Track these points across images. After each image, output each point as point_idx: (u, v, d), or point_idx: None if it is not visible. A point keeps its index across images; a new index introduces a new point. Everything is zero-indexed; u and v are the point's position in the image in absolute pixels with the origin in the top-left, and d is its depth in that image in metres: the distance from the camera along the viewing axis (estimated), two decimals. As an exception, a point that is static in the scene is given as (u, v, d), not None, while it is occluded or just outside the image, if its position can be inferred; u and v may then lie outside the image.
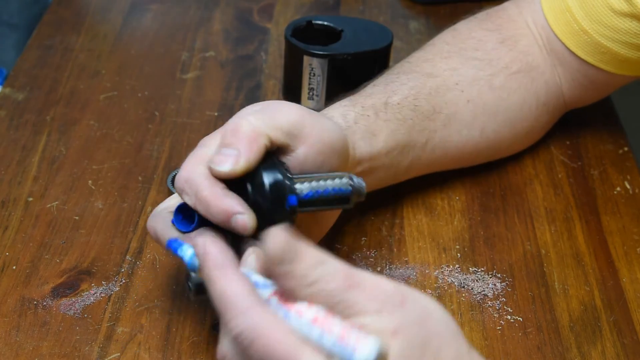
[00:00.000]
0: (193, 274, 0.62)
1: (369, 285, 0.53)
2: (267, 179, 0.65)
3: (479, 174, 0.90)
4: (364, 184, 0.69)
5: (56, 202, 0.84)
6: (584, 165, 0.92)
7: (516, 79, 0.86)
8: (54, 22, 1.11)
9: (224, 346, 0.55)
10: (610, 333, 0.74)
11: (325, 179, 0.68)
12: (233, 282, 0.55)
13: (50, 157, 0.89)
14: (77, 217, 0.82)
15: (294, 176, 0.67)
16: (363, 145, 0.76)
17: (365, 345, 0.51)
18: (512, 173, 0.90)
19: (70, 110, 0.96)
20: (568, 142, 0.95)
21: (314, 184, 0.67)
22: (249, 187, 0.65)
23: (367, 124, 0.77)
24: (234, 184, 0.65)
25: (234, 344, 0.54)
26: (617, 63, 0.85)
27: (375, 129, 0.77)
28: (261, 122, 0.66)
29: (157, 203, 0.83)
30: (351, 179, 0.68)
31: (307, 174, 0.68)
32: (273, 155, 0.67)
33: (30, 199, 0.84)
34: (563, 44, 0.86)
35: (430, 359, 0.53)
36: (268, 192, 0.65)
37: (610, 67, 0.86)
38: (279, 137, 0.67)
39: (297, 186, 0.66)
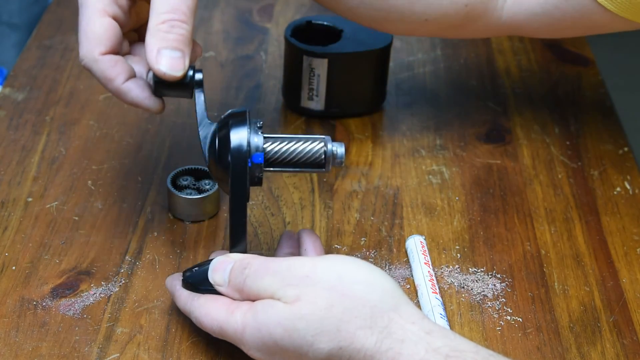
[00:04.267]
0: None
1: (280, 269, 0.64)
2: (233, 135, 0.67)
3: (478, 174, 0.90)
4: (342, 151, 0.69)
5: (56, 203, 0.84)
6: (584, 166, 0.92)
7: None
8: (54, 22, 1.11)
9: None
10: (610, 334, 0.74)
11: (299, 142, 0.69)
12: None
13: (50, 157, 0.89)
14: (76, 218, 0.82)
15: (267, 135, 0.69)
16: None
17: None
18: (512, 173, 0.90)
19: (70, 110, 0.96)
20: (568, 142, 0.95)
21: (283, 145, 0.69)
22: (217, 142, 0.68)
23: None
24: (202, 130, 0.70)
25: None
26: (626, 4, 0.78)
27: None
28: None
29: (156, 203, 0.84)
30: (326, 145, 0.69)
31: (285, 135, 0.70)
32: (247, 112, 0.69)
33: (30, 199, 0.84)
34: None
35: (337, 317, 0.61)
36: (231, 149, 0.67)
37: (615, 7, 0.79)
38: None
39: (266, 147, 0.68)
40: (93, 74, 0.69)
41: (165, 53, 0.67)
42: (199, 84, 0.70)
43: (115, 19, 0.70)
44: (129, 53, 0.73)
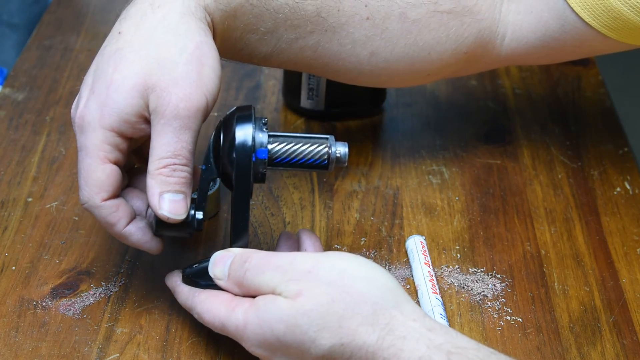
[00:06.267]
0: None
1: (282, 264, 0.63)
2: (238, 131, 0.68)
3: (478, 174, 0.90)
4: (345, 151, 0.70)
5: (56, 203, 0.84)
6: (584, 166, 0.92)
7: (439, 19, 0.78)
8: (54, 22, 1.11)
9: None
10: (610, 334, 0.74)
11: (304, 144, 0.69)
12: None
13: (50, 157, 0.89)
14: (76, 218, 0.82)
15: (272, 134, 0.69)
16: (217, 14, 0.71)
17: None
18: (512, 173, 0.90)
19: (69, 110, 0.95)
20: (568, 142, 0.95)
21: (287, 146, 0.69)
22: (221, 136, 0.68)
23: (226, 4, 0.71)
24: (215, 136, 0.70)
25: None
26: (627, 31, 0.76)
27: (237, 8, 0.72)
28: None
29: (156, 203, 0.83)
30: (330, 148, 0.69)
31: (289, 134, 0.70)
32: (252, 108, 0.69)
33: (30, 199, 0.84)
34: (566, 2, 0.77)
35: (339, 313, 0.61)
36: (236, 144, 0.67)
37: (615, 34, 0.77)
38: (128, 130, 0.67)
39: (270, 147, 0.69)
40: (94, 216, 0.68)
41: (167, 197, 0.66)
42: (200, 224, 0.69)
43: (116, 163, 0.67)
44: (127, 184, 0.72)
